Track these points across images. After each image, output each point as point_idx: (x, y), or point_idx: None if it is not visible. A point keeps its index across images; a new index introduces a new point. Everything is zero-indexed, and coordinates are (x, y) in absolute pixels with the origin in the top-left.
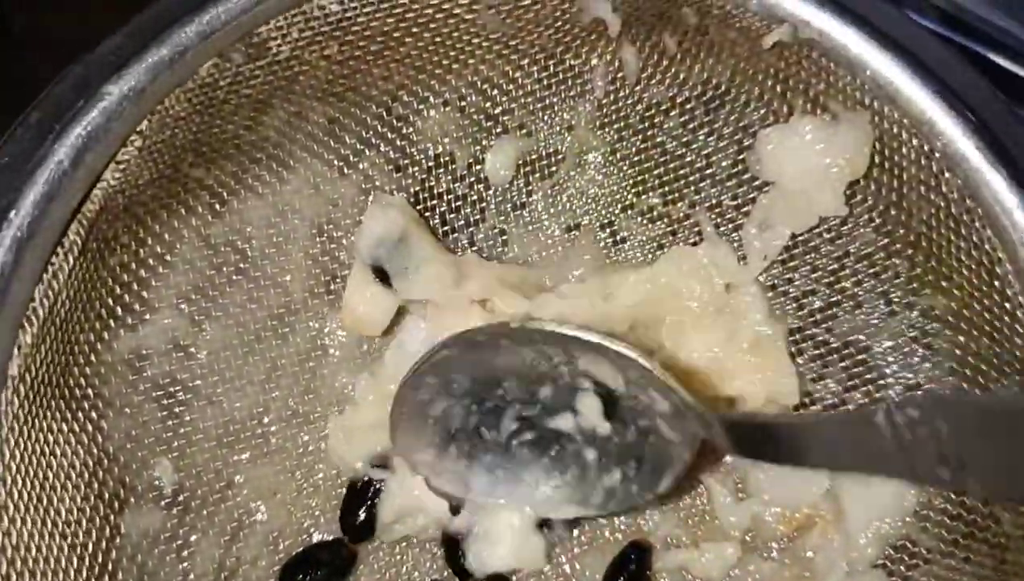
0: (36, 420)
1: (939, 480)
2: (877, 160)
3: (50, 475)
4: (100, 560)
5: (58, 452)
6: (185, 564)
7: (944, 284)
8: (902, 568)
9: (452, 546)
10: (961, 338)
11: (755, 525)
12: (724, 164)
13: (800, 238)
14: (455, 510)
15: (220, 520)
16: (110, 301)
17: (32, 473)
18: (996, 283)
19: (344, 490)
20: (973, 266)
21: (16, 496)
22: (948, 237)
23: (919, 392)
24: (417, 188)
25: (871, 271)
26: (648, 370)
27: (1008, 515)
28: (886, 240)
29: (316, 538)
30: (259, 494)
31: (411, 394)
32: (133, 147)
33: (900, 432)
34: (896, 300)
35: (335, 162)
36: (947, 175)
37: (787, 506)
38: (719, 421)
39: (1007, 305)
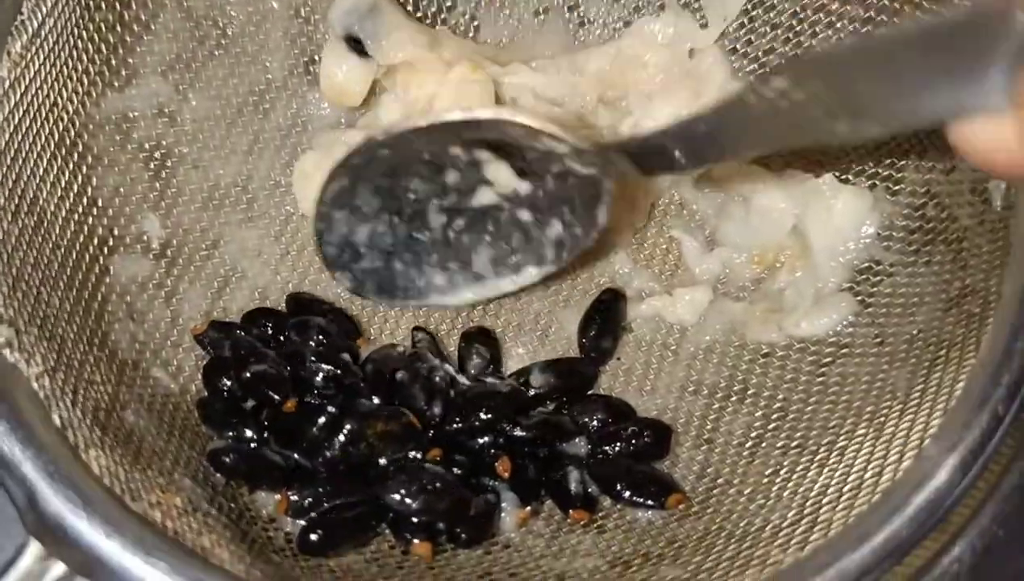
0: (26, 141)
1: (840, 133)
2: None
3: (39, 197)
4: (90, 291)
5: (48, 182)
6: (172, 309)
7: (895, 20)
8: (868, 287)
9: None
10: None
11: (725, 271)
12: None
13: None
14: None
15: (207, 274)
16: (96, 58)
17: (21, 188)
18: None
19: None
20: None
21: (3, 199)
22: None
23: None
24: None
25: (826, 21)
26: (527, 125)
27: (964, 210)
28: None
29: None
30: (244, 254)
31: (328, 237)
32: None
33: (776, 103)
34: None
35: None
36: None
37: (755, 248)
38: (615, 150)
39: None
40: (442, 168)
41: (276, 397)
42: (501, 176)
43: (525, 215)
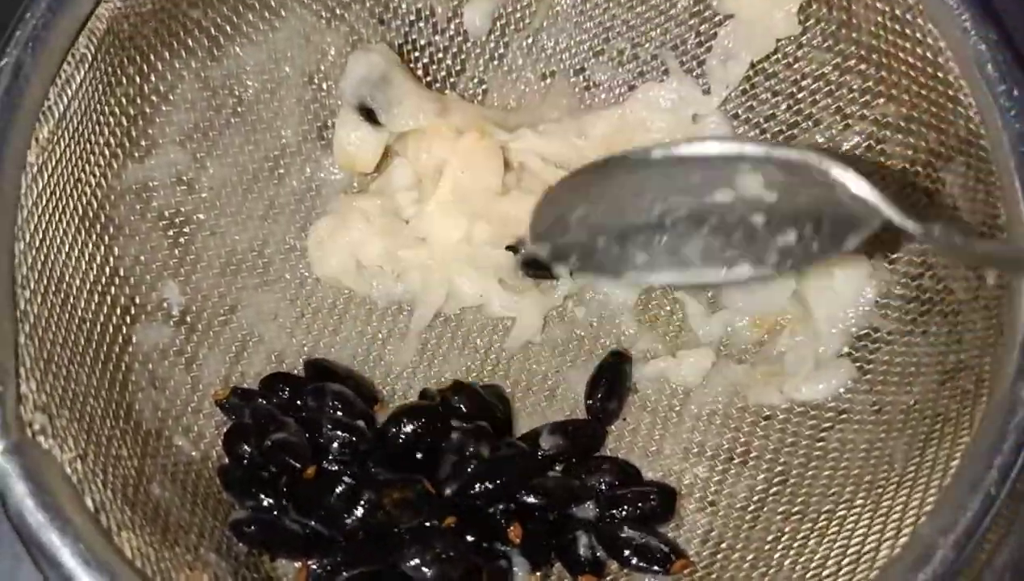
0: (53, 221)
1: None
2: None
3: (66, 274)
4: (114, 361)
5: (73, 258)
6: (193, 375)
7: (893, 91)
8: (866, 354)
9: None
10: (911, 139)
11: (728, 334)
12: (685, 4)
13: (759, 66)
14: None
15: (225, 339)
16: (118, 131)
17: (49, 268)
18: (939, 74)
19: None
20: (918, 64)
21: (34, 282)
22: (894, 41)
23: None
24: (400, 41)
25: (826, 89)
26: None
27: (960, 283)
28: (838, 58)
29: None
30: (261, 318)
31: (558, 195)
32: None
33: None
34: (850, 114)
35: (323, 13)
36: None
37: (757, 313)
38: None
39: (950, 91)
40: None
41: (297, 465)
42: (751, 183)
43: (758, 218)
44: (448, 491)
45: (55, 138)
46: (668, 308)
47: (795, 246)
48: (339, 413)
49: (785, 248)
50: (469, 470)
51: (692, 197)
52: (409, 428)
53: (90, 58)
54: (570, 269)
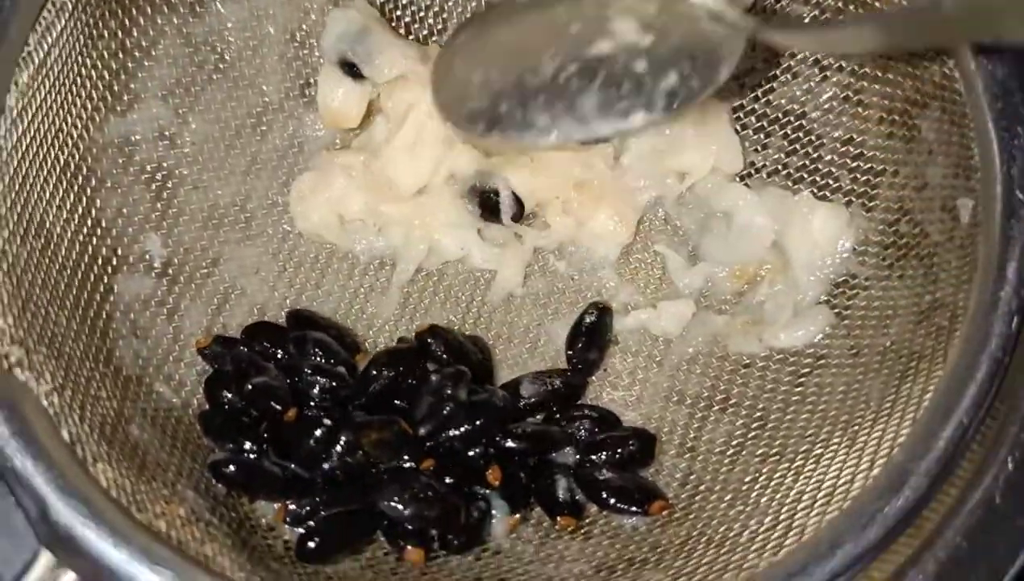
0: (34, 166)
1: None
2: None
3: (46, 220)
4: (95, 308)
5: (54, 205)
6: (175, 326)
7: None
8: (844, 300)
9: None
10: (888, 88)
11: (708, 285)
12: None
13: None
14: None
15: (207, 292)
16: (100, 84)
17: (29, 211)
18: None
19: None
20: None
21: (12, 224)
22: None
23: None
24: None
25: None
26: None
27: (935, 226)
28: (815, 10)
29: None
30: (243, 271)
31: (450, 61)
32: None
33: None
34: (827, 66)
35: None
36: None
37: (737, 264)
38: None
39: None
40: (570, 24)
41: (278, 407)
42: (627, 28)
43: (640, 65)
44: (422, 431)
45: (35, 84)
46: (649, 261)
47: (678, 86)
48: (320, 360)
49: (669, 90)
50: (445, 412)
51: (576, 50)
52: (387, 371)
53: (70, 7)
54: (479, 134)
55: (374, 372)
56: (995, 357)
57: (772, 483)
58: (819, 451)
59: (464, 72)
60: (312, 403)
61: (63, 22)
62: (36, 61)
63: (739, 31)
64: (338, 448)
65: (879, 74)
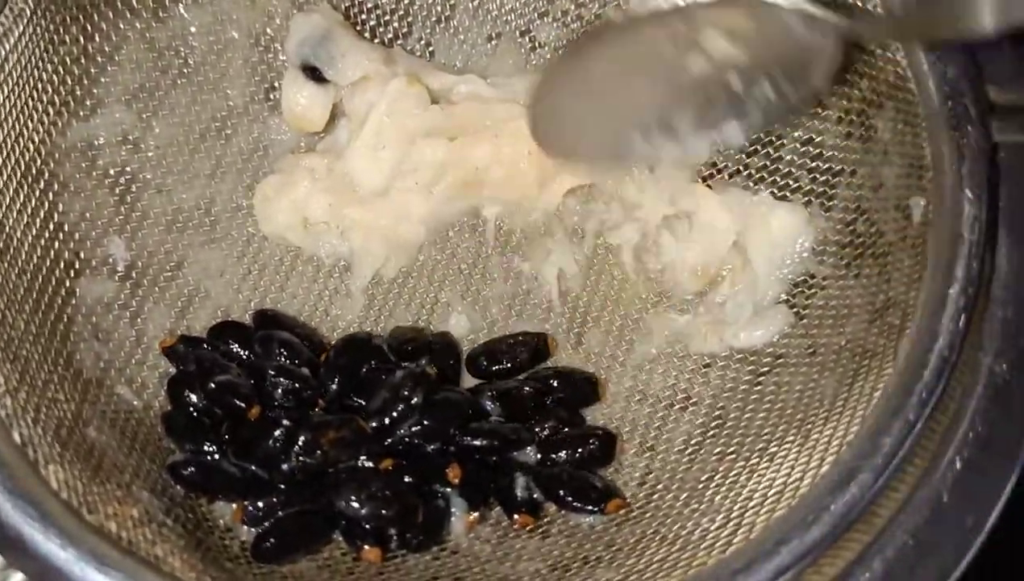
0: None
1: None
2: None
3: (6, 224)
4: (55, 313)
5: (15, 210)
6: (137, 328)
7: None
8: (803, 299)
9: None
10: (845, 88)
11: (669, 285)
12: None
13: None
14: None
15: (171, 295)
16: (62, 89)
17: None
18: None
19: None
20: None
21: None
22: None
23: None
24: (347, 3)
25: None
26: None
27: (890, 225)
28: None
29: None
30: (207, 274)
31: (547, 93)
32: None
33: None
34: None
35: None
36: None
37: (699, 264)
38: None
39: None
40: (659, 42)
41: (241, 404)
42: (718, 45)
43: (735, 80)
44: (373, 424)
45: None
46: (607, 262)
47: (770, 94)
48: (285, 361)
49: (763, 98)
50: (399, 409)
51: (671, 75)
52: (344, 361)
53: (28, 13)
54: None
55: (333, 365)
56: (942, 355)
57: (727, 481)
58: (773, 449)
59: (562, 104)
60: (275, 403)
61: (20, 28)
62: None
63: (829, 33)
64: (296, 448)
65: (837, 74)
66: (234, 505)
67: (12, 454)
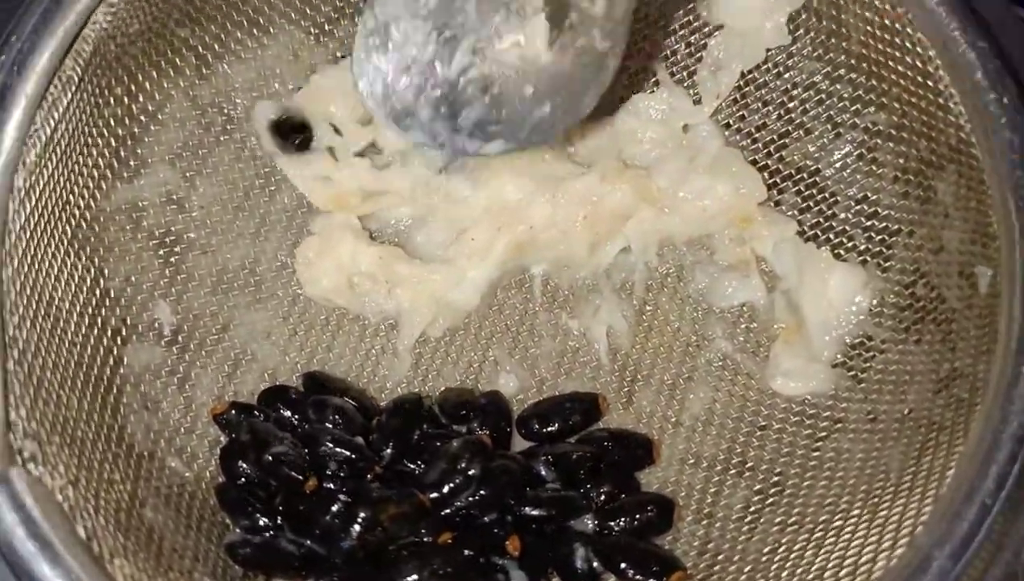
0: (41, 244)
1: None
2: None
3: (55, 298)
4: (105, 384)
5: (63, 281)
6: (186, 395)
7: (883, 100)
8: (861, 362)
9: None
10: (903, 147)
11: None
12: (677, 14)
13: (750, 76)
14: None
15: (217, 358)
16: (106, 152)
17: (38, 292)
18: (929, 82)
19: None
20: (908, 72)
21: (22, 308)
22: (884, 50)
23: None
24: None
25: (816, 99)
26: None
27: (953, 292)
28: (828, 67)
29: None
30: (253, 336)
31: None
32: None
33: None
34: (841, 123)
35: (311, 29)
36: None
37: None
38: None
39: (939, 100)
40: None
41: (298, 477)
42: (536, 33)
43: (528, 90)
44: (433, 495)
45: (43, 161)
46: (662, 318)
47: (546, 118)
48: (339, 428)
49: (538, 121)
50: (457, 481)
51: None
52: (396, 422)
53: (77, 80)
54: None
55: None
56: (1017, 436)
57: (792, 556)
58: (839, 522)
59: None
60: (329, 473)
61: (69, 96)
62: (44, 137)
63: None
64: (356, 526)
65: (893, 132)
66: None
67: (78, 552)
